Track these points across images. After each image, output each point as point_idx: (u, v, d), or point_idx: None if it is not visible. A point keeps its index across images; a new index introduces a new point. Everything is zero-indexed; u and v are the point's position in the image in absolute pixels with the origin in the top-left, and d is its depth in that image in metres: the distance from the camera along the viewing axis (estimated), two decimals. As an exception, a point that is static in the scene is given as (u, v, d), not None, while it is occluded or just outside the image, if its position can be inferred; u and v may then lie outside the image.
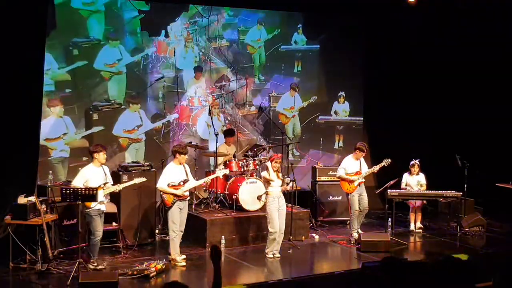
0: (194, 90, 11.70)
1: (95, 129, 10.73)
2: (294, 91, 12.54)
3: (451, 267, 4.53)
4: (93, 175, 8.26)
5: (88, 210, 8.12)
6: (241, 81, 11.99)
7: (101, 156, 8.35)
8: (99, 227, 8.22)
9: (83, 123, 10.69)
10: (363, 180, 10.05)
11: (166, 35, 11.38)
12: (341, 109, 13.03)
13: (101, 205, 8.23)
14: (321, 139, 12.84)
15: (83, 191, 7.79)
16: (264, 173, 9.04)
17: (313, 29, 12.60)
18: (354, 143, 10.36)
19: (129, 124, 11.10)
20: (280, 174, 9.02)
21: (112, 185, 8.45)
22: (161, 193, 8.76)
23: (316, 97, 12.68)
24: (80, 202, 7.82)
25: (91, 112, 10.74)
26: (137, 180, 8.71)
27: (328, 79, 12.84)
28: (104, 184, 8.24)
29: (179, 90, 11.46)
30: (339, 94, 12.92)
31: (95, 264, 8.25)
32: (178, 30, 11.52)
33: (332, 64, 12.71)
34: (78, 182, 8.18)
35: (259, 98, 12.26)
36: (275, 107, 12.44)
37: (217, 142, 10.35)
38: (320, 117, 12.85)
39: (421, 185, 10.64)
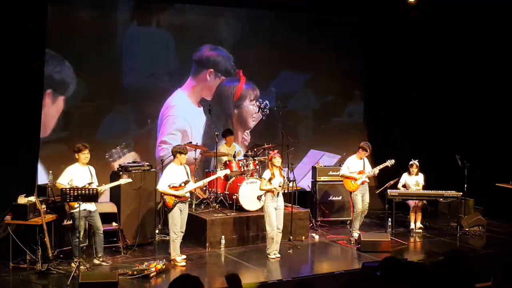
0: (191, 88, 11.24)
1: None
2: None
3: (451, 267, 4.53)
4: (78, 174, 8.16)
5: (72, 211, 8.03)
6: (243, 78, 11.66)
7: (81, 156, 8.18)
8: (82, 228, 8.14)
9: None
10: (367, 180, 10.05)
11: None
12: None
13: (88, 205, 8.11)
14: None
15: (84, 191, 7.79)
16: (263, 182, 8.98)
17: (318, 29, 12.22)
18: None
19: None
20: (283, 172, 8.95)
21: (98, 186, 8.32)
22: (162, 194, 8.69)
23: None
24: (80, 203, 7.82)
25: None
26: (122, 181, 8.63)
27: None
28: (89, 184, 8.15)
29: (173, 89, 11.10)
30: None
31: (77, 264, 7.85)
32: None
33: (339, 64, 12.40)
34: (63, 180, 8.10)
35: (263, 98, 11.88)
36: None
37: (217, 142, 10.32)
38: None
39: (418, 185, 10.65)
